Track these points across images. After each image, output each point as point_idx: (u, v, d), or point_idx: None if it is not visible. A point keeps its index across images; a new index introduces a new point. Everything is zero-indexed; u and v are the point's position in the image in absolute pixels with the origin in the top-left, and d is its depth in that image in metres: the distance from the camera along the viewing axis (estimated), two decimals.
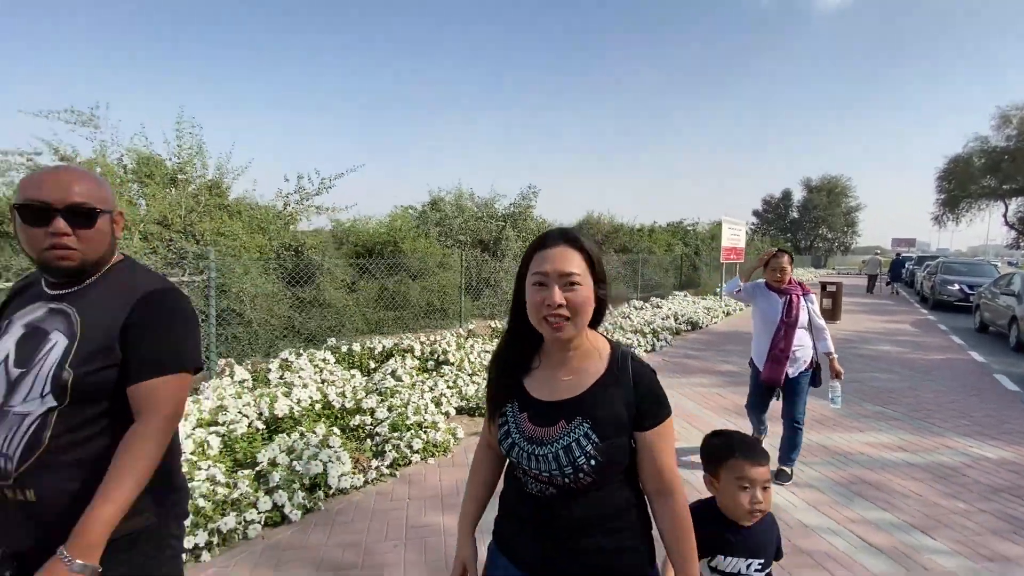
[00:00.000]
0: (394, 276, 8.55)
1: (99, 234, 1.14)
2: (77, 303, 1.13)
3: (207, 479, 2.79)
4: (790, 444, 3.35)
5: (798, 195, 53.05)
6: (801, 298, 3.33)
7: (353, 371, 4.99)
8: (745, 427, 3.78)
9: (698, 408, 5.00)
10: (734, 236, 14.13)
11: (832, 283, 11.39)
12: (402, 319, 8.39)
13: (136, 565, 1.13)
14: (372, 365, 5.45)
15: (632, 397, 1.03)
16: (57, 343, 1.08)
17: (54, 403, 1.06)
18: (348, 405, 4.05)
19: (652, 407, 1.04)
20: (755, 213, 54.07)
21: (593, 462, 0.98)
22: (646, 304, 11.46)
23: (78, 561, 0.97)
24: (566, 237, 1.04)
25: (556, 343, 1.06)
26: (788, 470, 3.40)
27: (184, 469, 2.75)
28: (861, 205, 51.66)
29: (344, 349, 5.45)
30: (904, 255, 23.49)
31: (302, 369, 4.70)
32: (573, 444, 1.00)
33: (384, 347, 5.70)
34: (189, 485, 2.66)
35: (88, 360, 1.08)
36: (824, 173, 52.42)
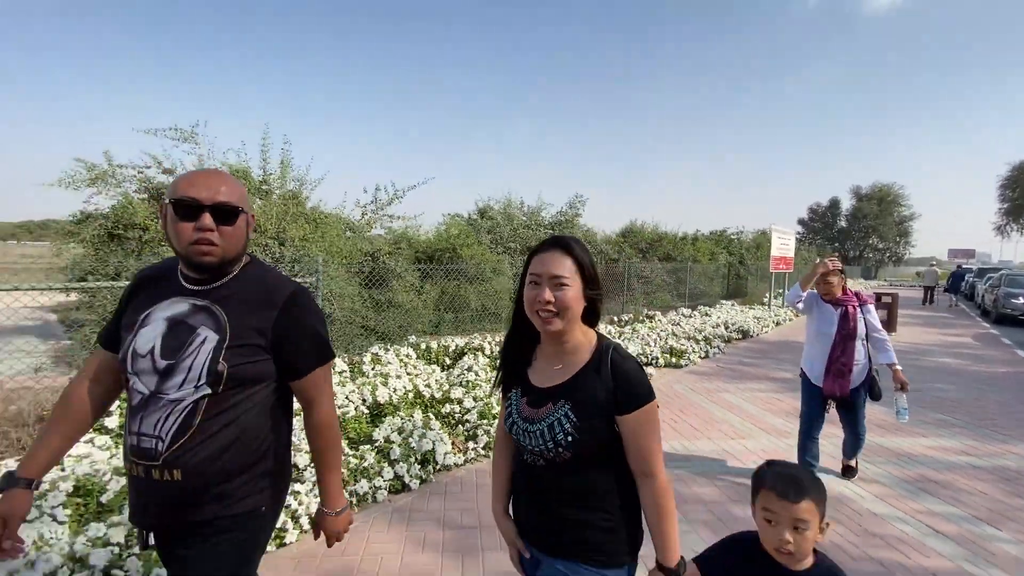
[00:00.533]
0: (453, 281, 9.06)
1: (238, 232, 1.22)
2: (220, 302, 1.20)
3: None
4: (854, 445, 3.44)
5: (846, 204, 51.30)
6: (858, 309, 3.28)
7: (432, 366, 5.46)
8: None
9: (759, 410, 5.21)
10: (783, 245, 14.04)
11: (887, 294, 11.22)
12: (460, 321, 8.88)
13: (237, 543, 1.22)
14: (447, 361, 5.91)
15: (611, 384, 1.14)
16: (207, 338, 1.17)
17: (208, 391, 1.16)
18: (437, 395, 4.50)
19: (629, 393, 1.13)
20: (801, 222, 52.62)
21: (570, 438, 1.13)
22: (694, 312, 11.59)
23: (336, 508, 1.34)
24: (558, 244, 1.18)
25: (548, 336, 1.21)
26: (853, 463, 3.52)
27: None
28: (915, 214, 49.55)
29: (423, 346, 5.94)
30: (964, 266, 22.55)
31: (389, 363, 5.19)
32: (555, 423, 1.15)
33: (457, 345, 6.16)
34: None
35: (239, 354, 1.17)
36: (875, 181, 50.62)
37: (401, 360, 5.36)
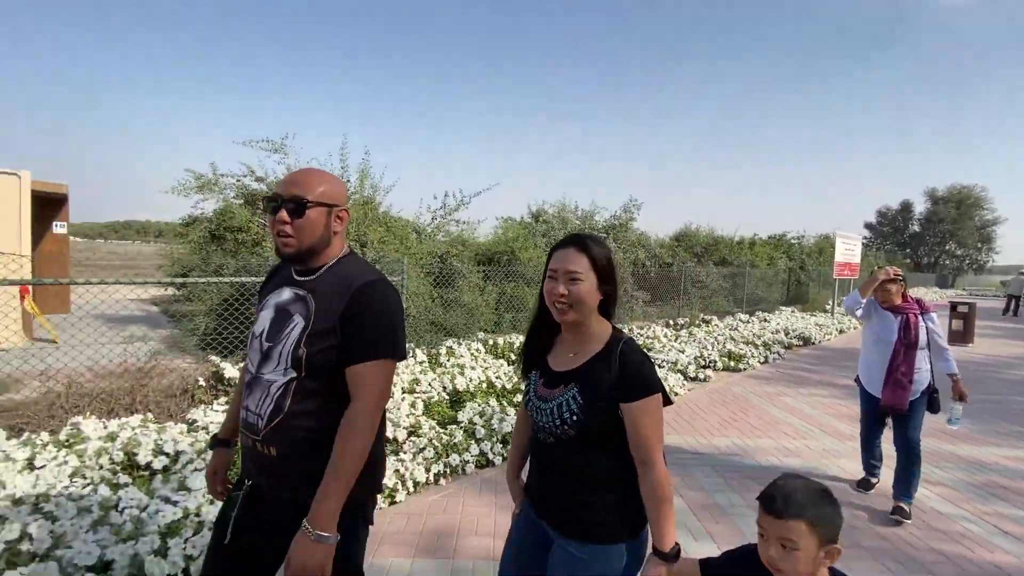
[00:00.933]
0: (511, 282, 9.47)
1: (308, 223, 1.24)
2: (313, 291, 1.27)
3: (431, 428, 3.72)
4: (907, 475, 3.09)
5: (920, 207, 48.03)
6: (919, 317, 3.16)
7: (500, 360, 5.86)
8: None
9: (820, 414, 5.27)
10: (848, 251, 13.58)
11: (964, 303, 10.69)
12: (518, 320, 9.27)
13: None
14: (512, 356, 6.30)
15: (618, 373, 1.22)
16: (297, 324, 1.24)
17: (293, 374, 1.22)
18: (508, 386, 4.89)
19: (634, 383, 1.21)
20: (868, 226, 49.75)
21: (575, 418, 1.23)
22: (752, 318, 11.45)
23: (319, 532, 1.11)
24: (574, 242, 1.27)
25: (565, 326, 1.33)
26: (907, 507, 3.06)
27: (410, 422, 3.69)
28: (999, 218, 45.72)
29: (490, 342, 6.36)
30: None
31: (462, 356, 5.64)
32: (564, 403, 1.25)
33: (520, 342, 6.54)
34: (420, 434, 3.63)
35: (317, 340, 1.21)
36: (953, 183, 47.03)
37: (472, 354, 5.80)
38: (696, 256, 14.56)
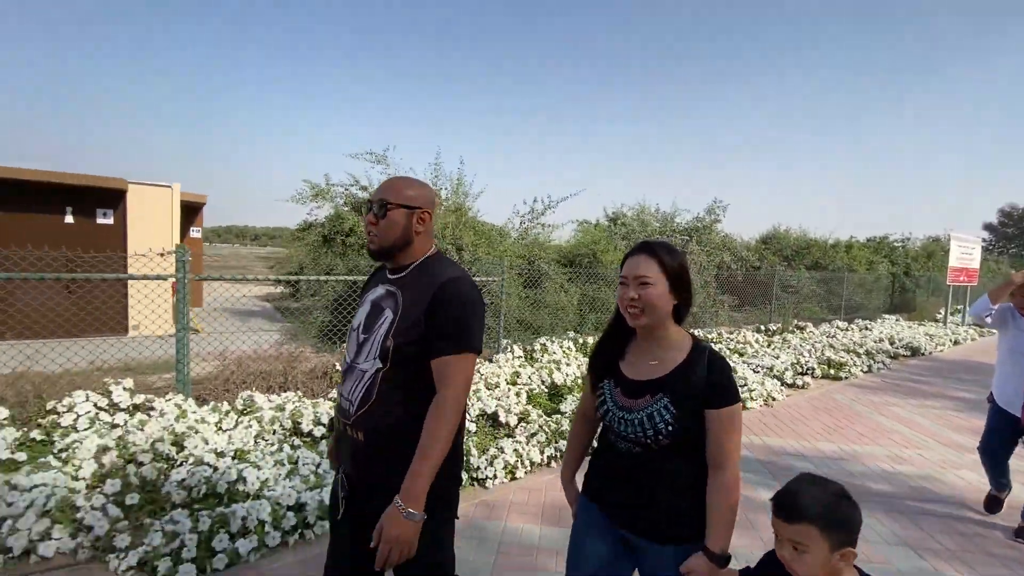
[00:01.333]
0: (592, 284, 9.64)
1: (390, 223, 1.33)
2: (402, 288, 1.35)
3: (538, 416, 4.04)
4: None
5: None
6: None
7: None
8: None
9: (934, 425, 5.01)
10: (965, 255, 12.40)
11: None
12: (600, 321, 9.42)
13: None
14: None
15: (706, 380, 1.24)
16: (387, 318, 1.32)
17: (380, 365, 1.29)
18: None
19: (721, 391, 1.24)
20: (988, 227, 44.44)
21: (670, 428, 1.23)
22: (851, 326, 10.80)
23: (409, 509, 1.17)
24: (645, 248, 1.31)
25: (640, 333, 1.34)
26: None
27: (519, 410, 4.00)
28: None
29: (580, 341, 6.61)
30: None
31: (554, 353, 5.93)
32: (655, 413, 1.24)
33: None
34: (529, 420, 3.95)
35: (403, 333, 1.28)
36: None
37: (564, 351, 6.07)
38: (785, 259, 13.91)
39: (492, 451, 3.42)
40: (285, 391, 4.22)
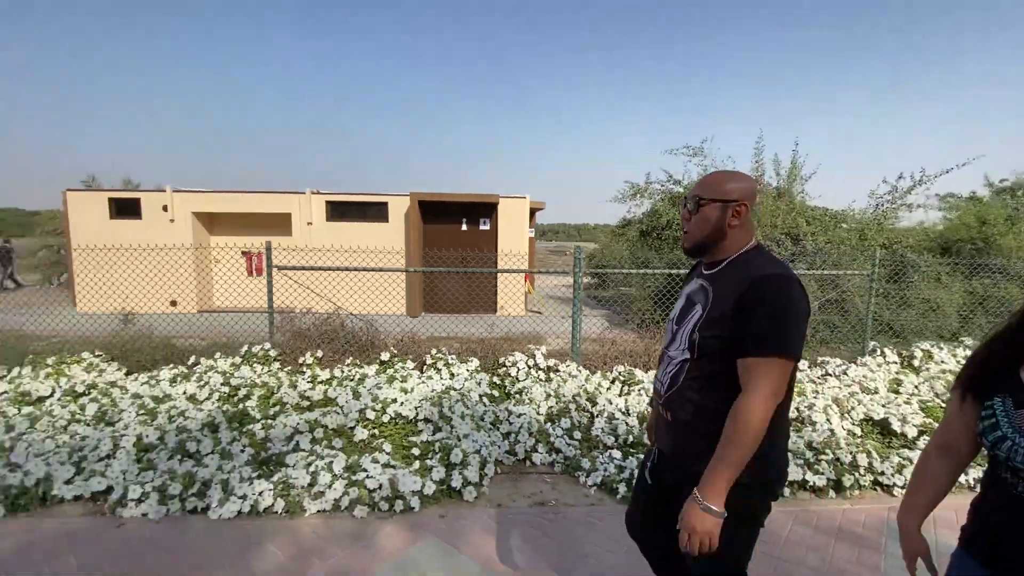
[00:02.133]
0: (984, 277, 7.47)
1: (702, 219, 1.35)
2: (715, 282, 1.34)
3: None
4: None
5: None
6: None
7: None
8: None
9: None
10: None
11: None
12: (991, 327, 7.25)
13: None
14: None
15: None
16: (697, 311, 1.34)
17: (687, 356, 1.34)
18: None
19: None
20: None
21: None
22: None
23: (707, 503, 1.19)
24: None
25: None
26: None
27: (918, 420, 3.52)
28: None
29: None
30: None
31: (943, 361, 4.94)
32: None
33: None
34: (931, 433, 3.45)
35: (709, 327, 1.29)
36: None
37: (957, 361, 4.99)
38: None
39: (896, 459, 3.18)
40: (648, 369, 4.82)
